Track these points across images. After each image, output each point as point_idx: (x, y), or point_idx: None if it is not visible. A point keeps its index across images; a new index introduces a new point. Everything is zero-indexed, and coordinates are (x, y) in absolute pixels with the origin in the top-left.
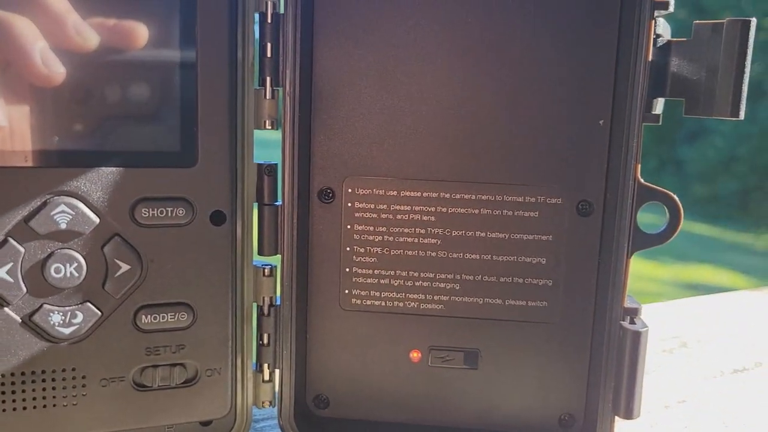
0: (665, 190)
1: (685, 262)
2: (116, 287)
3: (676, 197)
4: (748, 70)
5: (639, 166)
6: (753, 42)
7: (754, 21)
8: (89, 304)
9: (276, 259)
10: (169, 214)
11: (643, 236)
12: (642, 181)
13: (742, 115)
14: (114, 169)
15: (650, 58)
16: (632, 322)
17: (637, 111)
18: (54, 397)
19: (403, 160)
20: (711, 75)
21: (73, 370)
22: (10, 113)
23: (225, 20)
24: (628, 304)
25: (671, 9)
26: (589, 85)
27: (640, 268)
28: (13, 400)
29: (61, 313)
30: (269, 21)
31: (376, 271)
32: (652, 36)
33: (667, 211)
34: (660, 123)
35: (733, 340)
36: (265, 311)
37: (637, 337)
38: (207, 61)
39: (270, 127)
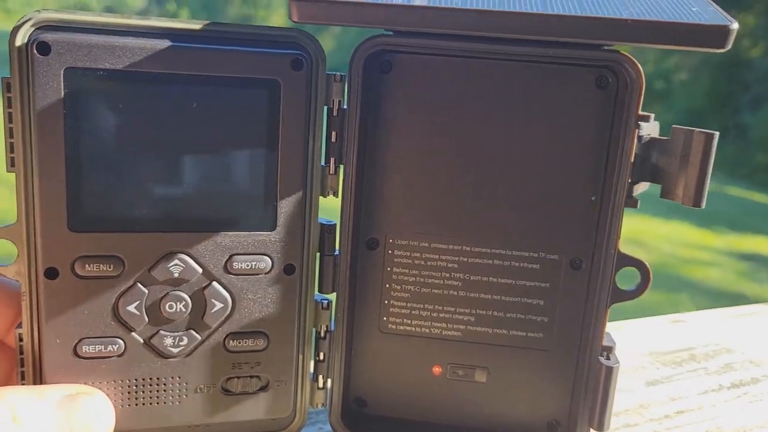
0: (639, 258)
1: (741, 232)
2: (212, 319)
3: (647, 264)
4: (710, 171)
5: (618, 239)
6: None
7: (716, 134)
8: (192, 331)
9: (332, 295)
10: (254, 267)
11: (620, 292)
12: (620, 251)
13: (703, 205)
14: (214, 233)
15: (632, 158)
16: (607, 358)
17: (620, 197)
18: (165, 396)
19: (434, 221)
20: (682, 170)
21: (180, 378)
22: (148, 195)
23: (302, 114)
24: (605, 342)
25: (652, 120)
26: (586, 172)
27: (692, 236)
28: (136, 398)
29: (171, 337)
30: (335, 114)
31: (408, 304)
32: (635, 140)
33: (639, 274)
34: (638, 207)
35: (739, 355)
36: (322, 335)
37: (609, 371)
38: (287, 147)
39: (333, 196)
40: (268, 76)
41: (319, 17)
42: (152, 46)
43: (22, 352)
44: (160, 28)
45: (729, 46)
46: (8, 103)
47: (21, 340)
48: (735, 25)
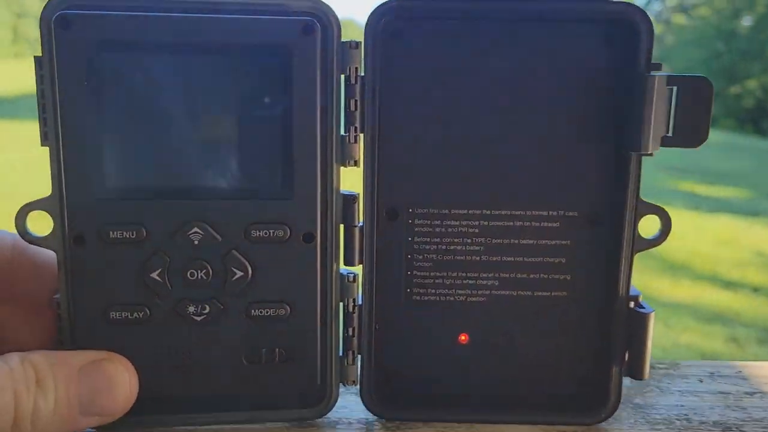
0: (660, 206)
1: None
2: (233, 287)
3: (667, 211)
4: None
5: (639, 188)
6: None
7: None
8: (214, 300)
9: (358, 268)
10: (272, 235)
11: (642, 240)
12: (642, 199)
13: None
14: (234, 201)
15: (645, 108)
16: (640, 306)
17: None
18: (190, 363)
19: (453, 187)
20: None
21: (204, 345)
22: (167, 165)
23: (315, 81)
24: (631, 293)
25: (663, 69)
26: (599, 126)
27: None
28: (163, 364)
29: (194, 305)
30: (353, 81)
31: (431, 273)
32: (646, 90)
33: (660, 221)
34: (653, 155)
35: None
36: (350, 309)
37: (646, 318)
38: (301, 115)
39: (353, 165)
40: (278, 41)
41: None
42: (166, 17)
43: (60, 319)
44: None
45: None
46: (40, 80)
47: (59, 307)
48: None
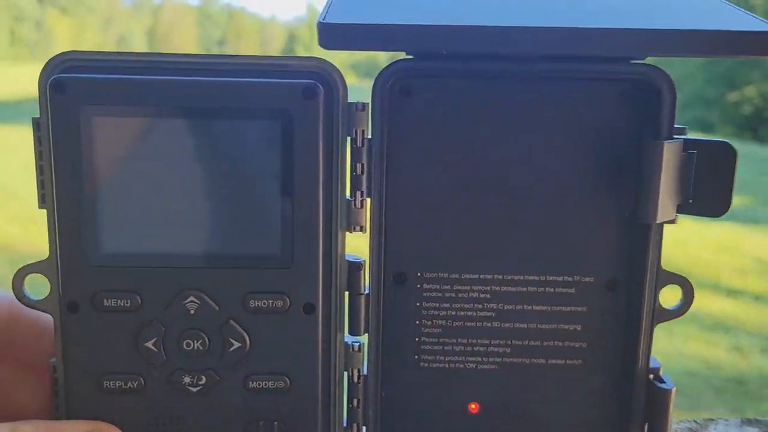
0: (682, 275)
1: None
2: (230, 359)
3: (690, 281)
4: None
5: (660, 255)
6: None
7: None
8: (211, 371)
9: (364, 337)
10: (271, 305)
11: (663, 311)
12: (662, 267)
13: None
14: (231, 269)
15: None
16: (661, 381)
17: None
18: None
19: (464, 251)
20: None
21: (200, 417)
22: (164, 231)
23: (318, 145)
24: (651, 365)
25: (686, 134)
26: (618, 190)
27: None
28: None
29: (190, 376)
30: (359, 144)
31: (441, 339)
32: (663, 155)
33: (682, 291)
34: (675, 223)
35: None
36: (355, 379)
37: (666, 395)
38: (303, 181)
39: (359, 231)
40: (279, 106)
41: (347, 43)
42: (163, 80)
43: (56, 384)
44: (176, 63)
45: None
46: (39, 142)
47: (55, 371)
48: None
